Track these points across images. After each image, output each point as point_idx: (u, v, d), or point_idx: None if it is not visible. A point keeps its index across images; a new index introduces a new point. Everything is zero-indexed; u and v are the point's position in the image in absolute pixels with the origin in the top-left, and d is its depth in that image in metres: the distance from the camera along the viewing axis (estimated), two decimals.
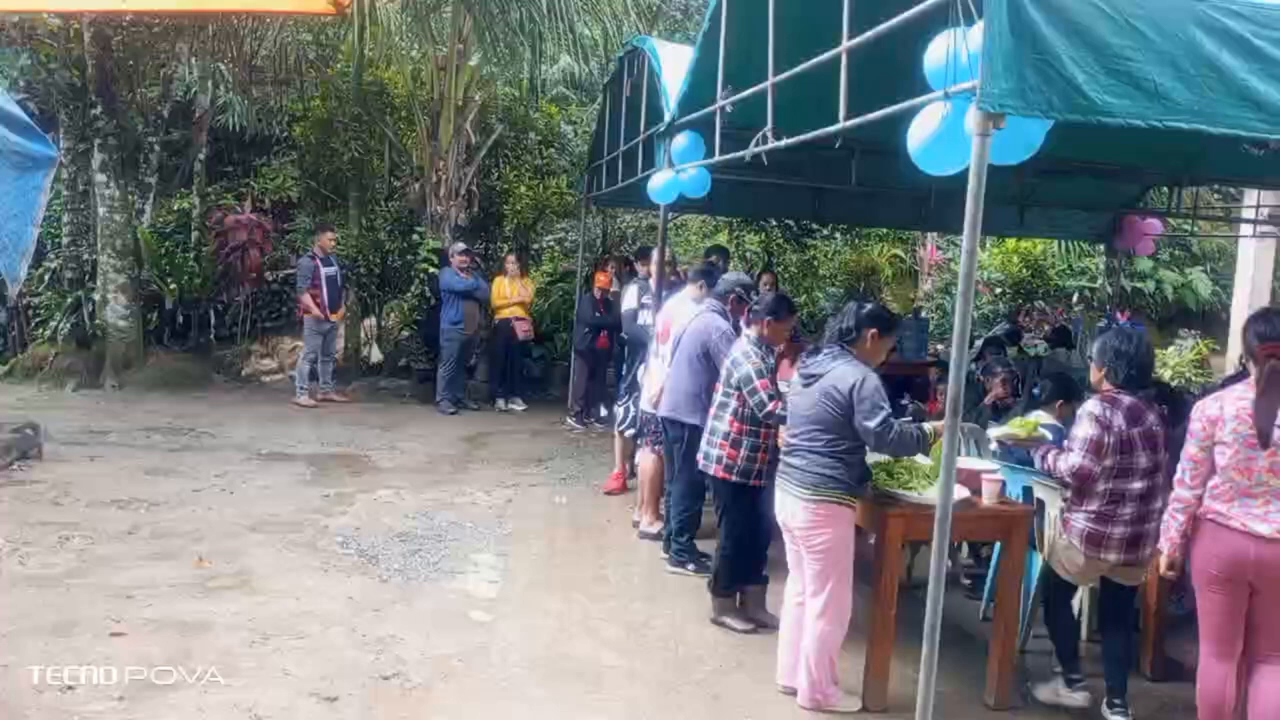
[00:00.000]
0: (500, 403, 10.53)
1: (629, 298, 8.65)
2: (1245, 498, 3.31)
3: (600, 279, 9.93)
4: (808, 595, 4.01)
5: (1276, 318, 3.43)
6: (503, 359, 10.67)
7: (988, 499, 4.13)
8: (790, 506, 3.96)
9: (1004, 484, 4.32)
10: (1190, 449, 3.48)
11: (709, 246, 11.91)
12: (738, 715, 3.98)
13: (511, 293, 10.51)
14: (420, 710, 3.84)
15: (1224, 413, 3.39)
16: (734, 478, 4.69)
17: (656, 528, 6.12)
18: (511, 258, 10.85)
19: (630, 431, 6.78)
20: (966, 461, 4.54)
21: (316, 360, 10.31)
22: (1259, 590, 3.33)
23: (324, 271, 10.18)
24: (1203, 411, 3.47)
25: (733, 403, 4.69)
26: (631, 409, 6.75)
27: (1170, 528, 3.56)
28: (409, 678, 4.08)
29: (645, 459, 6.32)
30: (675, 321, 6.20)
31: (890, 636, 3.98)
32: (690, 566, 5.58)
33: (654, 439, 6.18)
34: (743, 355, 4.67)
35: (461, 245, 10.65)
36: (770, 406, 4.53)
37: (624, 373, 8.13)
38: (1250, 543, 3.28)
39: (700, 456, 4.88)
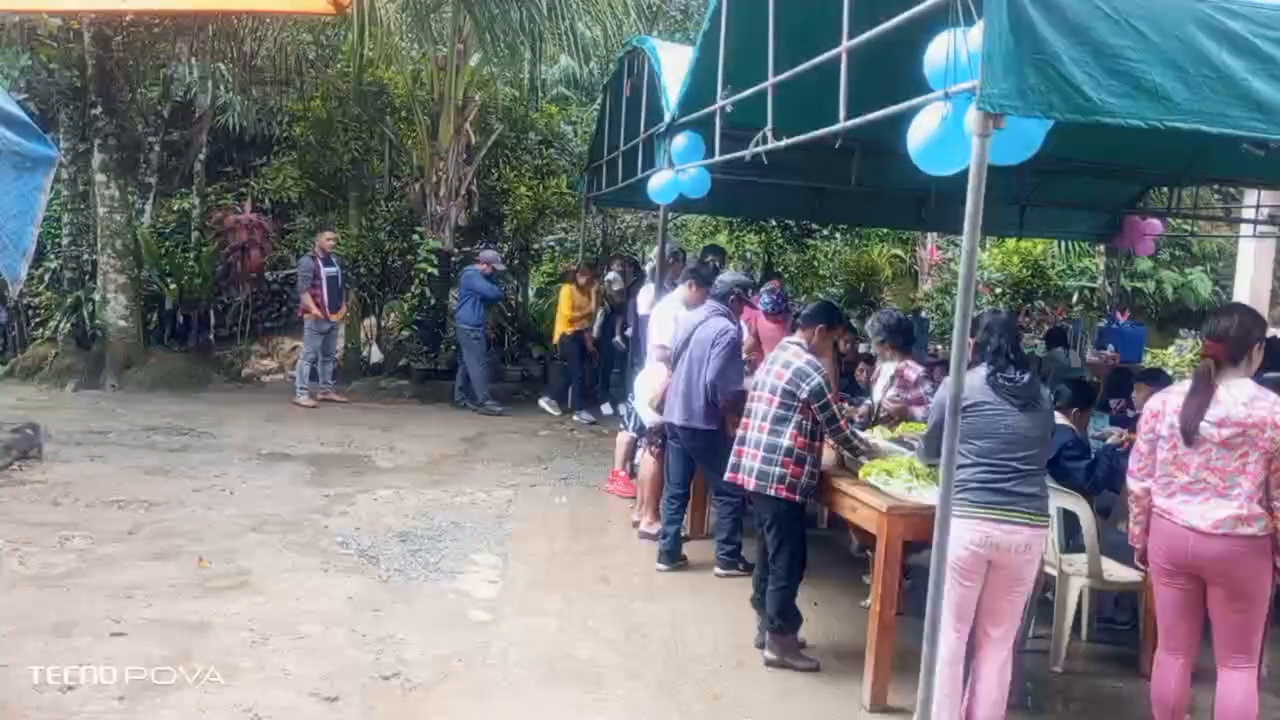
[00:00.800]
0: (583, 415, 10.06)
1: (643, 301, 8.62)
2: (1185, 493, 3.32)
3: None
4: (999, 631, 3.65)
5: (1225, 316, 3.38)
6: (579, 370, 10.38)
7: None
8: (1014, 540, 3.52)
9: None
10: (1138, 442, 3.54)
11: (705, 246, 11.92)
12: (738, 715, 3.98)
13: (583, 303, 10.35)
14: (420, 710, 3.84)
15: (1165, 408, 3.40)
16: (798, 496, 4.42)
17: (656, 528, 6.12)
18: (585, 269, 10.66)
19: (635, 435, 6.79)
20: None
21: (316, 360, 10.31)
22: (1209, 585, 3.34)
23: (324, 271, 10.18)
24: (1148, 406, 3.51)
25: (795, 415, 4.37)
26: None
27: (1132, 521, 3.60)
28: (409, 678, 4.08)
29: (645, 460, 6.32)
30: (658, 324, 6.20)
31: (890, 636, 3.97)
32: (741, 567, 5.52)
33: (652, 441, 6.19)
34: (810, 365, 4.41)
35: (492, 253, 10.80)
36: (842, 423, 4.41)
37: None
38: (1189, 535, 3.30)
39: (753, 478, 4.47)
